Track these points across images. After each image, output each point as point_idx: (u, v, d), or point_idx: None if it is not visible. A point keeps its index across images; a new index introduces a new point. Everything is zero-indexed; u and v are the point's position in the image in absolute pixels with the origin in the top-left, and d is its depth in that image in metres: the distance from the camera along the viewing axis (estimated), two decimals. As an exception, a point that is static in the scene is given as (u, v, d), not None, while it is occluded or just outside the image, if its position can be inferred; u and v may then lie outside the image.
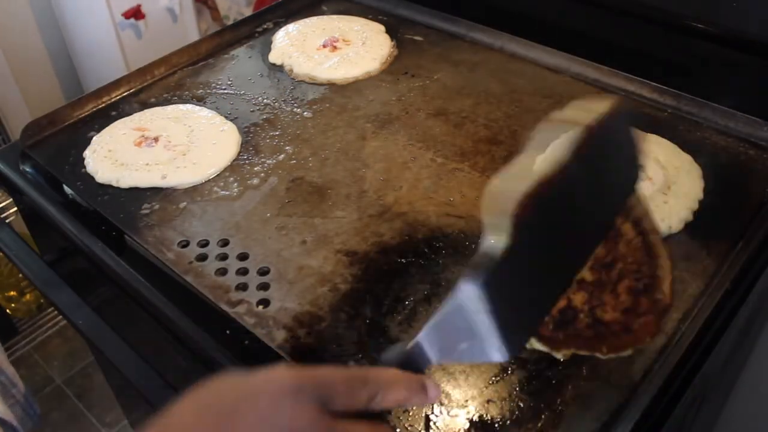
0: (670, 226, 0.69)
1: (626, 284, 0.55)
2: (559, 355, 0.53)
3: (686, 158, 0.77)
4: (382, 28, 1.05)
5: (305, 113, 0.90)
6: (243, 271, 0.68)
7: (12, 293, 1.77)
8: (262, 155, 0.83)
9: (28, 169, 0.84)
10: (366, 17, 1.08)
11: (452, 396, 0.56)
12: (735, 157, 0.79)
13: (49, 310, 1.83)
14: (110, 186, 0.79)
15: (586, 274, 0.55)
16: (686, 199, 0.72)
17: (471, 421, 0.54)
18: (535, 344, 0.53)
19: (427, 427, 0.54)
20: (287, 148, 0.84)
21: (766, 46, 0.84)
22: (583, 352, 0.53)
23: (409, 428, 0.54)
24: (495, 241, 0.38)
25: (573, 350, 0.53)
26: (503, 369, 0.57)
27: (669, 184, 0.73)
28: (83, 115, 0.92)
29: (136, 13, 1.77)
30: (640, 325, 0.54)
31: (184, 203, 0.77)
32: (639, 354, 0.58)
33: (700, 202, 0.72)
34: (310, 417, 0.39)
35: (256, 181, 0.79)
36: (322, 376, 0.41)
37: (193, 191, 0.78)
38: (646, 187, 0.72)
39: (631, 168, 0.48)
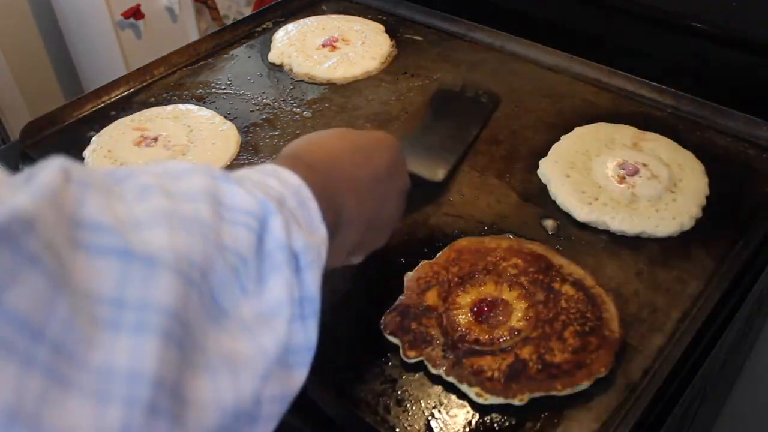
0: (682, 223, 0.68)
1: (572, 330, 0.57)
2: (516, 401, 0.54)
3: (688, 155, 0.77)
4: (381, 27, 1.05)
5: (305, 113, 0.90)
6: (242, 271, 0.68)
7: (12, 293, 1.77)
8: (262, 155, 0.83)
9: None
10: (365, 17, 1.08)
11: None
12: (735, 157, 0.79)
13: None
14: (110, 186, 0.79)
15: (529, 331, 0.57)
16: (694, 195, 0.71)
17: (470, 423, 0.54)
18: (490, 398, 0.54)
19: (429, 428, 0.54)
20: (287, 147, 0.83)
21: (766, 46, 0.84)
22: (537, 393, 0.54)
23: (408, 428, 0.54)
24: None
25: (527, 394, 0.54)
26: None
27: (675, 181, 0.73)
28: (83, 114, 0.92)
29: (135, 13, 1.77)
30: (593, 359, 0.55)
31: (184, 203, 0.76)
32: (638, 354, 0.58)
33: (707, 198, 0.72)
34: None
35: (255, 180, 0.79)
36: None
37: (193, 191, 0.78)
38: (653, 186, 0.72)
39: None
